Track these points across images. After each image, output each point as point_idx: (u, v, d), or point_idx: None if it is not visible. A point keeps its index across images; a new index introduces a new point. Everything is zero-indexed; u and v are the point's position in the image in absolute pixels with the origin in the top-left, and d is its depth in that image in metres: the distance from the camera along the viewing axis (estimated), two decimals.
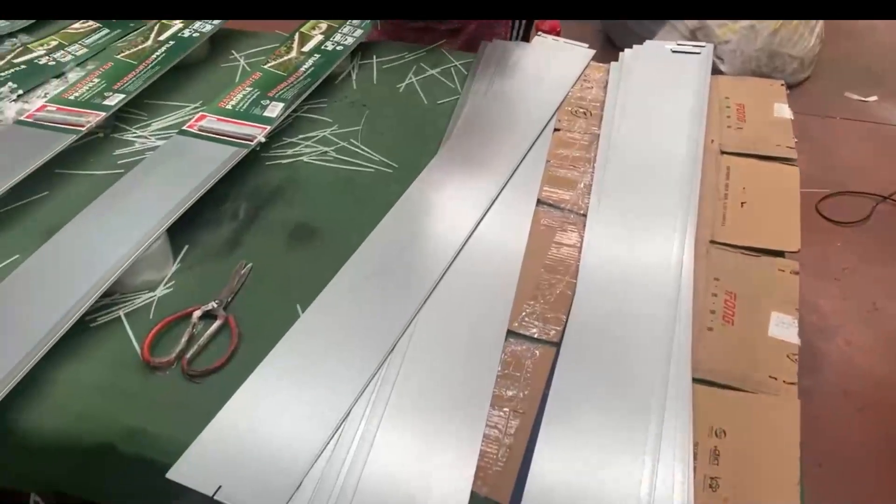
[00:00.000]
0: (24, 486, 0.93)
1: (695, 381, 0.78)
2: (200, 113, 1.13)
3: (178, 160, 1.03)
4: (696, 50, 1.29)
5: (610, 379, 0.77)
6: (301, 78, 1.22)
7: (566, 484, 0.68)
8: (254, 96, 1.16)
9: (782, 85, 1.24)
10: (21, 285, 0.85)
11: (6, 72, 1.26)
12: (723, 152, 1.10)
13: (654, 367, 0.78)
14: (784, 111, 1.17)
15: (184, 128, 1.09)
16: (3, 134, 1.11)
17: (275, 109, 1.14)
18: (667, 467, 0.69)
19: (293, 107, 1.17)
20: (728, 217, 0.98)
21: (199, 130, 1.08)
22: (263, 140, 1.07)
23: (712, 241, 0.95)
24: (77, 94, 1.17)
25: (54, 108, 1.14)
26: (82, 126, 1.09)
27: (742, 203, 1.00)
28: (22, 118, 1.12)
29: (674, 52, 1.29)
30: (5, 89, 1.22)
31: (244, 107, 1.14)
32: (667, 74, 1.24)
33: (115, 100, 1.16)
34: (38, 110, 1.14)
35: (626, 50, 1.31)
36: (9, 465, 0.82)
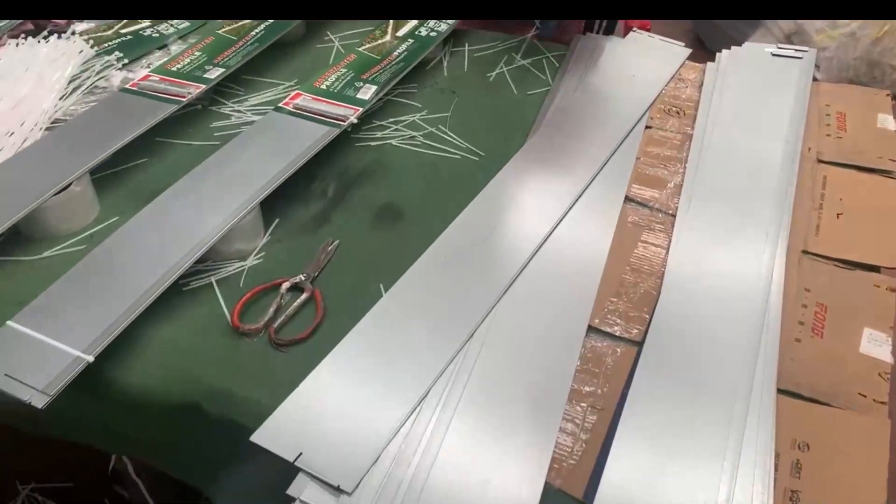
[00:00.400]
0: (108, 444, 0.96)
1: (779, 391, 0.76)
2: (296, 91, 1.15)
3: (273, 136, 1.06)
4: (798, 54, 1.25)
5: (692, 382, 0.76)
6: (394, 62, 1.24)
7: (642, 484, 0.67)
8: (348, 78, 1.18)
9: (887, 95, 1.19)
10: (122, 245, 0.88)
11: (113, 41, 1.31)
12: (820, 161, 1.06)
13: (739, 375, 0.76)
14: (888, 122, 1.12)
15: (279, 105, 1.12)
16: (108, 100, 1.15)
17: (367, 92, 1.15)
18: (746, 476, 0.68)
19: (385, 90, 1.18)
20: (822, 227, 0.96)
21: (295, 108, 1.11)
22: (356, 121, 1.09)
23: (804, 251, 0.92)
24: (179, 66, 1.21)
25: (157, 79, 1.18)
26: (183, 97, 1.12)
27: (838, 214, 0.97)
28: (126, 86, 1.17)
29: (774, 55, 1.26)
30: (112, 58, 1.27)
31: (338, 88, 1.16)
32: (765, 78, 1.21)
33: (214, 73, 1.19)
34: (141, 79, 1.18)
35: (724, 51, 1.28)
36: (99, 419, 0.85)
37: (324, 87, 1.16)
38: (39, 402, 0.71)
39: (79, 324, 0.79)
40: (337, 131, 1.06)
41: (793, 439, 0.72)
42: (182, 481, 0.87)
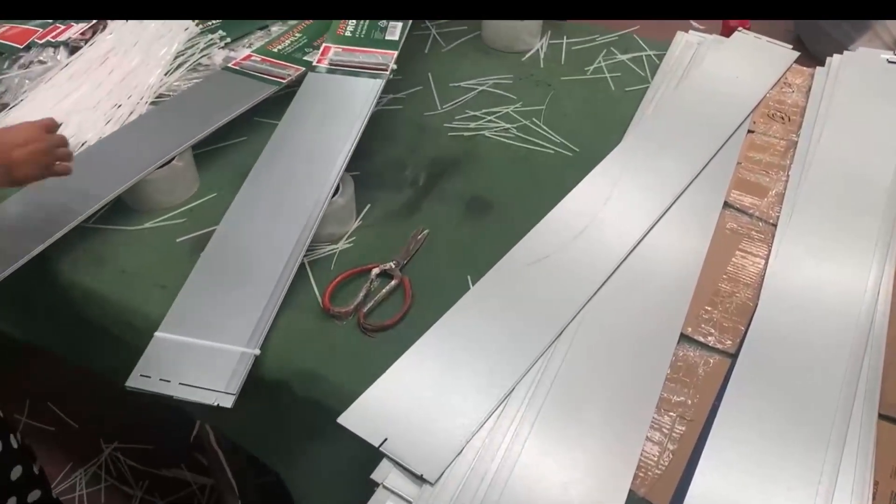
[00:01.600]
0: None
1: (880, 416, 0.73)
2: (325, 45, 1.14)
3: (325, 101, 1.06)
4: None
5: (788, 400, 0.73)
6: None
7: (730, 501, 0.65)
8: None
9: None
10: (235, 234, 0.90)
11: (217, 20, 1.34)
12: None
13: (838, 396, 0.73)
14: None
15: (314, 63, 1.12)
16: (211, 78, 1.18)
17: (395, 31, 1.14)
18: (841, 502, 0.65)
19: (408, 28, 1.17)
20: None
21: (330, 64, 1.11)
22: (395, 66, 1.08)
23: None
24: (280, 48, 1.23)
25: (259, 59, 1.20)
26: (283, 79, 1.14)
27: None
28: (228, 65, 1.19)
29: (890, 62, 1.20)
30: (215, 36, 1.30)
31: (363, 32, 1.15)
32: (878, 86, 1.16)
33: (313, 56, 1.20)
34: (243, 59, 1.20)
35: (835, 55, 1.22)
36: None
37: (348, 33, 1.15)
38: (227, 402, 0.73)
39: (226, 320, 0.80)
40: (382, 82, 1.05)
41: (893, 468, 0.69)
42: None
